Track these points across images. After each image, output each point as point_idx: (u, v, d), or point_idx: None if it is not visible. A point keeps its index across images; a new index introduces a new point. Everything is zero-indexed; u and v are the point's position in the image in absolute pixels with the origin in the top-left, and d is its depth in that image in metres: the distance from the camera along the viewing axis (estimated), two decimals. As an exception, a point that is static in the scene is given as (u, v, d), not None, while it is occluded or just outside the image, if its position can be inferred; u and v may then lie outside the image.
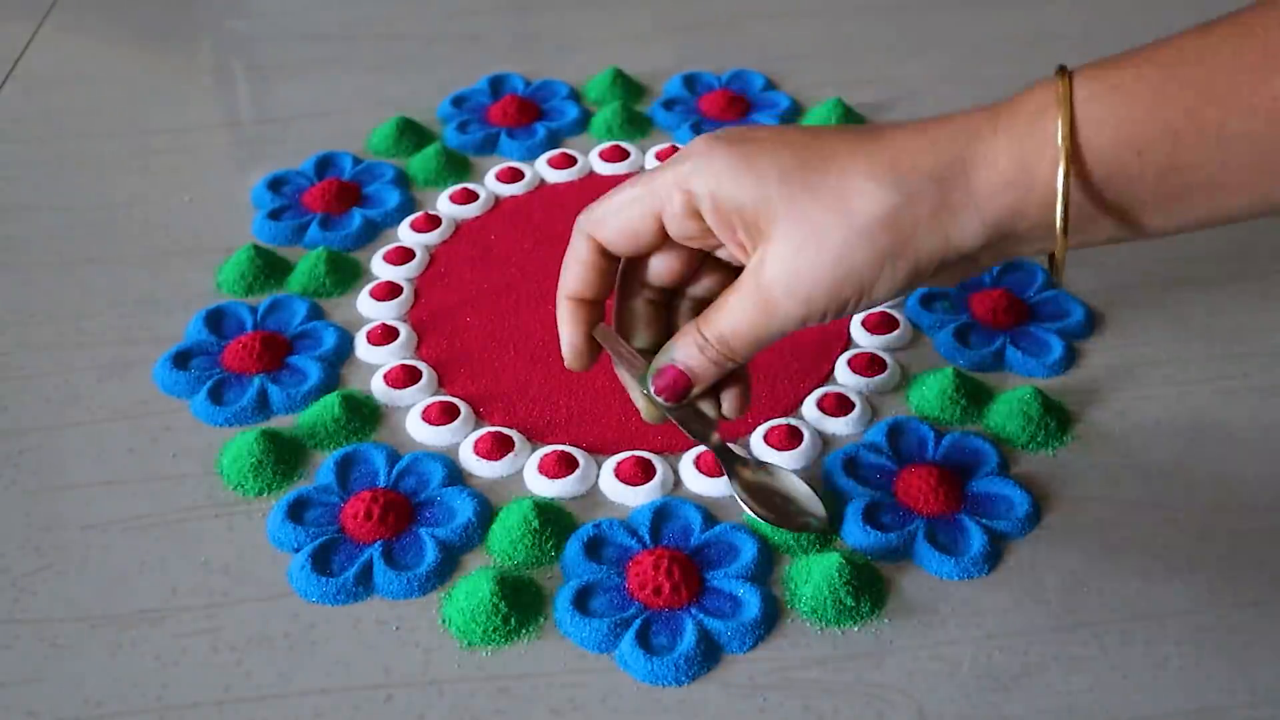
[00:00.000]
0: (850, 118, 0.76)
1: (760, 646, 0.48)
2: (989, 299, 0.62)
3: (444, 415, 0.57)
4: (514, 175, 0.73)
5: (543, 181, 0.73)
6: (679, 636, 0.48)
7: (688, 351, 0.47)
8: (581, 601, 0.49)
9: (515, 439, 0.56)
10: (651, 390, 0.48)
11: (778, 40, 0.86)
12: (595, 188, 0.72)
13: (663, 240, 0.46)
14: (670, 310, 0.50)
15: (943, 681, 0.47)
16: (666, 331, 0.49)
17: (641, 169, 0.74)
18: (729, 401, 0.49)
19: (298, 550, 0.51)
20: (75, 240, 0.69)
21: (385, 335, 0.61)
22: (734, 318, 0.45)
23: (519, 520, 0.51)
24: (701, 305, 0.48)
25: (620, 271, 0.49)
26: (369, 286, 0.65)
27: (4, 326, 0.63)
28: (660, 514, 0.53)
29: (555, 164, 0.74)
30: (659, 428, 0.57)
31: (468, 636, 0.48)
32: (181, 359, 0.60)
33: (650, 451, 0.56)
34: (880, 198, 0.41)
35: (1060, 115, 0.39)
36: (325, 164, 0.74)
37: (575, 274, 0.48)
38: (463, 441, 0.57)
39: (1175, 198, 0.40)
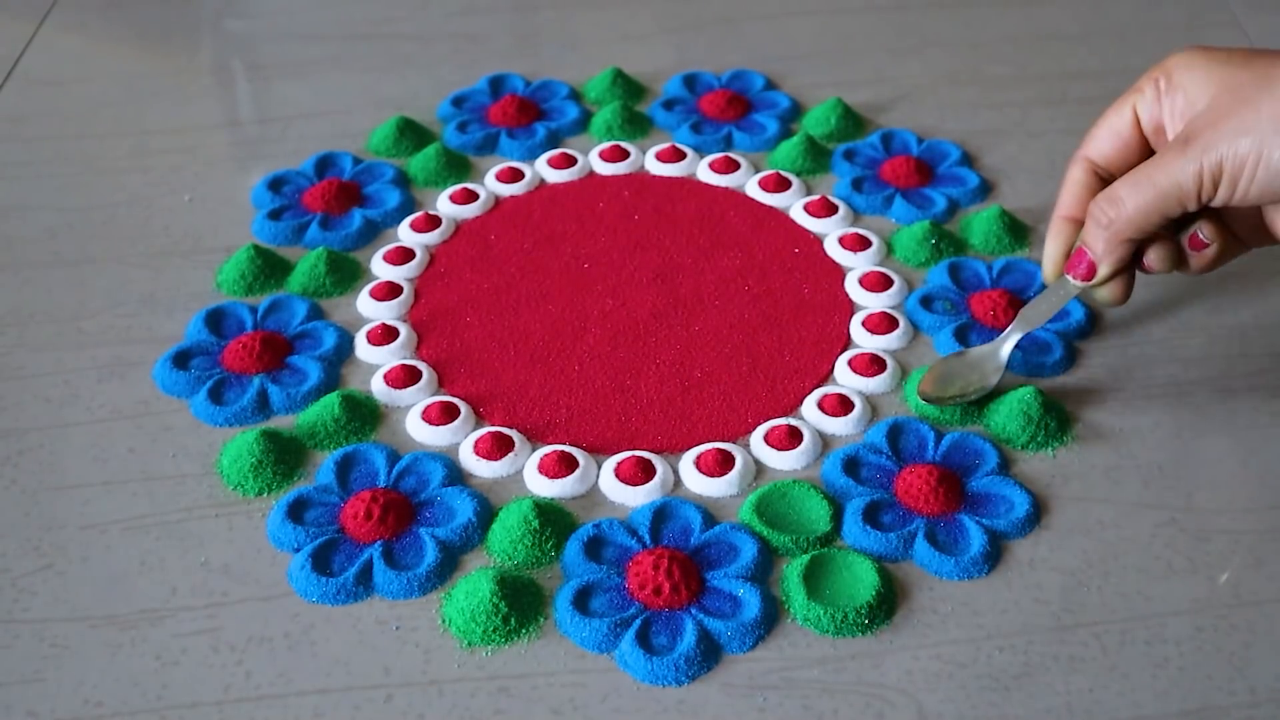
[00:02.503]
0: (850, 118, 0.76)
1: (760, 646, 0.48)
2: (989, 299, 0.62)
3: (444, 415, 0.57)
4: (514, 175, 0.73)
5: (543, 181, 0.73)
6: (679, 636, 0.48)
7: (1088, 228, 0.52)
8: (581, 601, 0.49)
9: (515, 439, 0.56)
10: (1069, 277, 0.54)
11: (778, 40, 0.86)
12: (595, 188, 0.72)
13: (1141, 140, 0.53)
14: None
15: (943, 681, 0.47)
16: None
17: (642, 169, 0.74)
18: (1155, 253, 0.53)
19: (298, 550, 0.51)
20: (75, 240, 0.69)
21: (385, 335, 0.61)
22: (1125, 186, 0.50)
23: (519, 520, 0.51)
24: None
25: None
26: (369, 286, 0.65)
27: (4, 326, 0.63)
28: (660, 514, 0.53)
29: (555, 164, 0.74)
30: (659, 428, 0.57)
31: (468, 636, 0.48)
32: (181, 359, 0.60)
33: (650, 451, 0.56)
34: None
35: None
36: (325, 164, 0.74)
37: (1068, 195, 0.55)
38: (463, 441, 0.57)
39: None
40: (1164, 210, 0.50)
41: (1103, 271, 0.53)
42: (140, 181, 0.74)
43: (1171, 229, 0.52)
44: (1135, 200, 0.50)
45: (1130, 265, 0.53)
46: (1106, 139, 0.54)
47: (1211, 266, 0.53)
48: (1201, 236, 0.52)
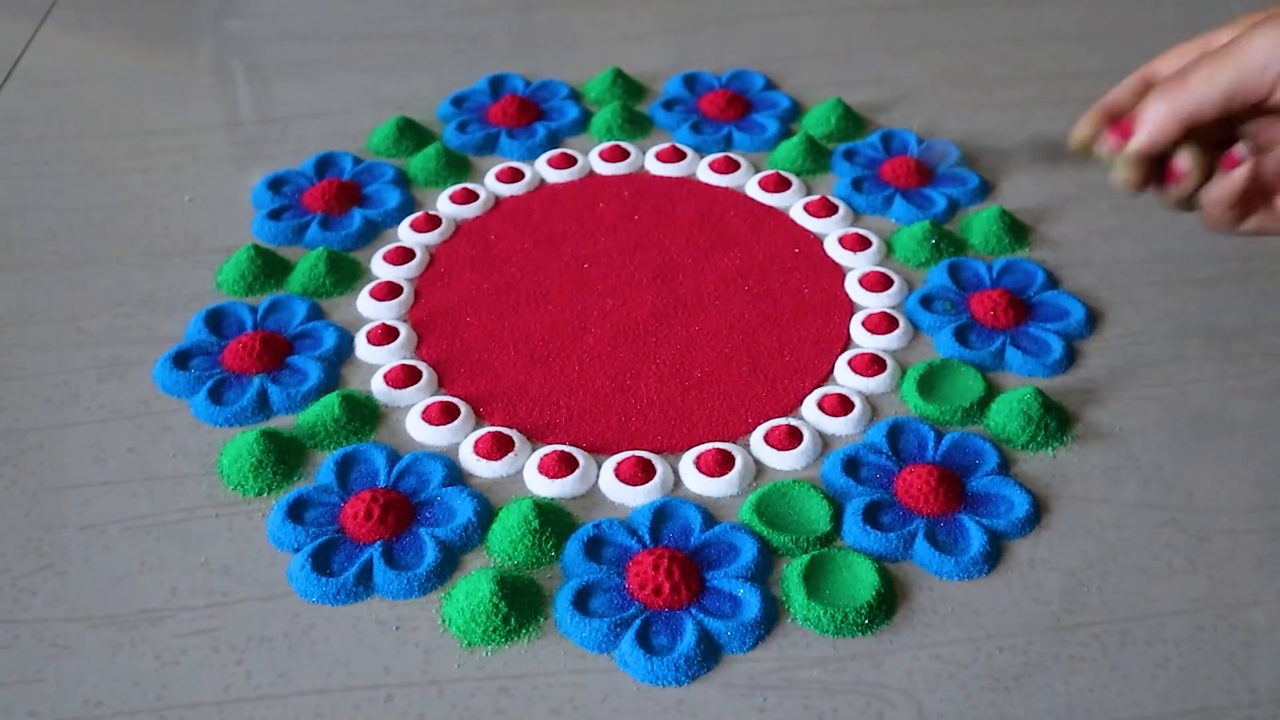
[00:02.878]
0: (850, 117, 0.76)
1: (760, 646, 0.48)
2: (989, 299, 0.62)
3: (444, 415, 0.57)
4: (514, 175, 0.73)
5: (543, 181, 0.73)
6: (679, 636, 0.48)
7: (1148, 98, 0.48)
8: (581, 601, 0.49)
9: (515, 439, 0.56)
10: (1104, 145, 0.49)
11: (778, 40, 0.86)
12: (595, 188, 0.72)
13: None
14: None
15: (943, 681, 0.47)
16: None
17: (642, 169, 0.74)
18: (1186, 156, 0.48)
19: (298, 550, 0.51)
20: (75, 240, 0.69)
21: (385, 335, 0.61)
22: (1193, 64, 0.47)
23: (519, 520, 0.51)
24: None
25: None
26: (369, 286, 0.65)
27: (4, 326, 0.63)
28: (660, 514, 0.53)
29: (555, 164, 0.74)
30: (659, 428, 0.57)
31: (468, 636, 0.48)
32: (181, 359, 0.60)
33: (650, 451, 0.56)
34: None
35: None
36: (325, 164, 0.74)
37: (1118, 92, 0.50)
38: (463, 441, 0.57)
39: None
40: (1233, 91, 0.46)
41: (1138, 139, 0.48)
42: (140, 181, 0.74)
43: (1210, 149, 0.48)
44: (1201, 76, 0.46)
45: (1156, 167, 0.49)
46: (1175, 60, 0.50)
47: (1233, 205, 0.48)
48: (1239, 153, 0.48)
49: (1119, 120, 0.48)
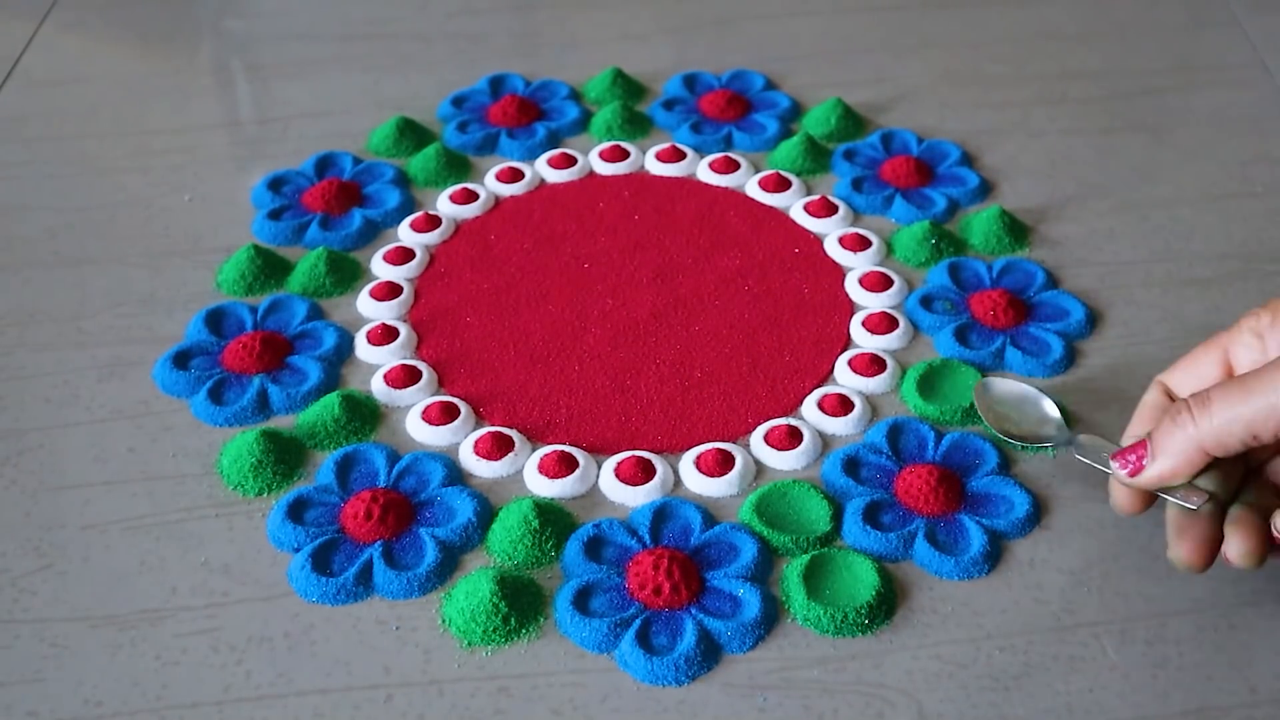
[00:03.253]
0: (850, 117, 0.76)
1: (760, 646, 0.48)
2: (989, 299, 0.62)
3: (444, 415, 0.57)
4: (514, 175, 0.73)
5: (543, 181, 0.73)
6: (679, 636, 0.48)
7: (1162, 424, 0.46)
8: (581, 601, 0.49)
9: (515, 439, 0.56)
10: (1115, 466, 0.47)
11: (778, 40, 0.86)
12: (595, 188, 0.73)
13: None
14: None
15: (943, 681, 0.47)
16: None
17: (642, 169, 0.74)
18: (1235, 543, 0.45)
19: (298, 550, 0.51)
20: (75, 240, 0.69)
21: (385, 335, 0.61)
22: (1218, 389, 0.44)
23: (519, 520, 0.51)
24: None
25: None
26: (369, 286, 0.65)
27: (4, 326, 0.63)
28: (660, 514, 0.53)
29: (555, 164, 0.74)
30: (659, 428, 0.57)
31: (468, 636, 0.48)
32: (181, 359, 0.60)
33: (650, 451, 0.56)
34: None
35: None
36: (325, 164, 0.74)
37: (1142, 416, 0.49)
38: (463, 441, 0.57)
39: None
40: (1254, 426, 0.43)
41: (1155, 470, 0.45)
42: (140, 181, 0.74)
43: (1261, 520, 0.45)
44: (1226, 404, 0.43)
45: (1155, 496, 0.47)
46: (1189, 379, 0.48)
47: None
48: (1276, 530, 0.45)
49: (1129, 447, 0.47)
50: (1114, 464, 0.47)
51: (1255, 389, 0.43)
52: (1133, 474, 0.46)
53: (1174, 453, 0.45)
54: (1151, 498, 0.48)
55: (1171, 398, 0.49)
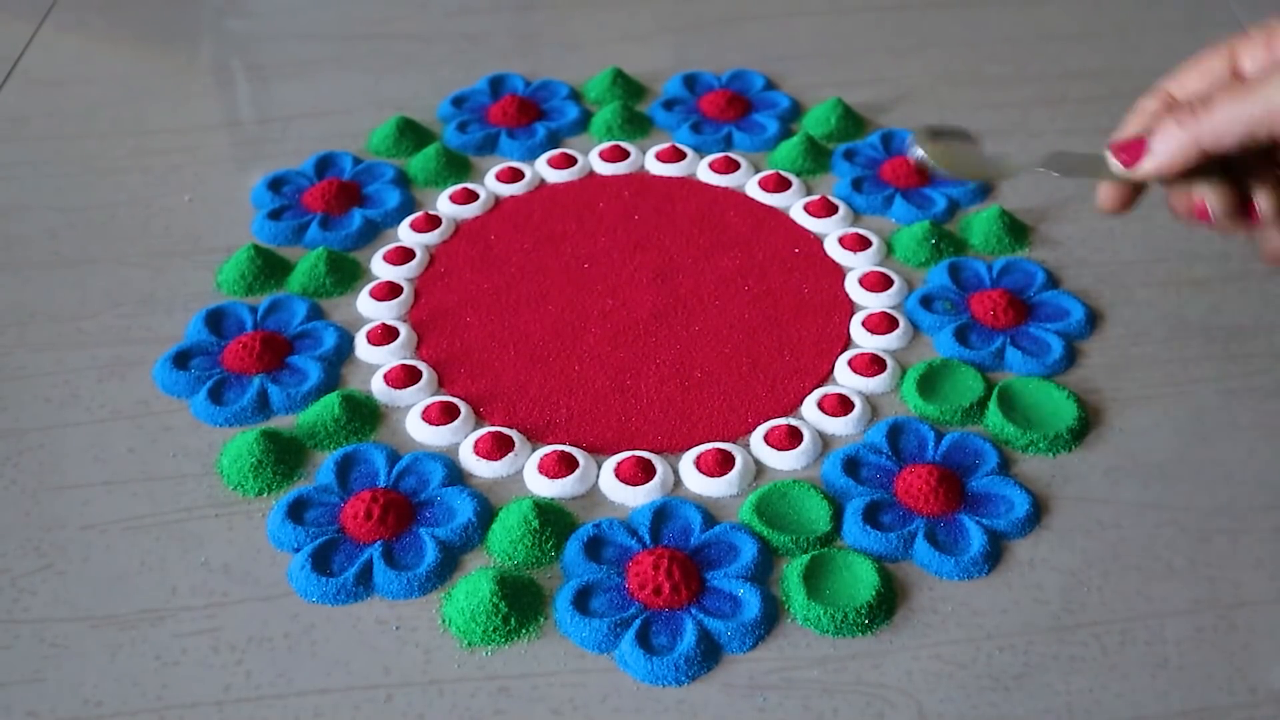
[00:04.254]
0: (850, 117, 0.76)
1: (760, 646, 0.48)
2: (989, 299, 0.62)
3: (444, 415, 0.57)
4: (514, 175, 0.73)
5: (543, 181, 0.73)
6: (679, 636, 0.48)
7: (1162, 121, 0.45)
8: (581, 601, 0.49)
9: (515, 439, 0.56)
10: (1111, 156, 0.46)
11: (778, 40, 0.86)
12: (595, 188, 0.72)
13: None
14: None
15: (943, 681, 0.47)
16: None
17: (642, 169, 0.74)
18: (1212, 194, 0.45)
19: (298, 550, 0.51)
20: (75, 240, 0.69)
21: (385, 335, 0.61)
22: (1221, 90, 0.44)
23: (519, 520, 0.51)
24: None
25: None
26: (369, 286, 0.65)
27: (4, 326, 0.63)
28: (660, 514, 0.53)
29: (555, 164, 0.74)
30: (659, 428, 0.57)
31: (468, 636, 0.48)
32: (181, 359, 0.60)
33: (650, 451, 0.56)
34: None
35: None
36: (325, 164, 0.74)
37: (1137, 119, 0.47)
38: (463, 441, 0.57)
39: None
40: (1255, 126, 0.43)
41: (1150, 162, 0.45)
42: (140, 181, 0.74)
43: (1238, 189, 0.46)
44: (1229, 105, 0.43)
45: (1140, 192, 0.47)
46: (1195, 78, 0.47)
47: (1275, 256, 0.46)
48: (1258, 207, 0.45)
49: (1130, 140, 0.46)
50: (1109, 156, 0.46)
51: (1257, 90, 0.43)
52: (1128, 164, 0.46)
53: (1172, 147, 0.45)
54: (1138, 193, 0.47)
55: (1171, 105, 0.47)
